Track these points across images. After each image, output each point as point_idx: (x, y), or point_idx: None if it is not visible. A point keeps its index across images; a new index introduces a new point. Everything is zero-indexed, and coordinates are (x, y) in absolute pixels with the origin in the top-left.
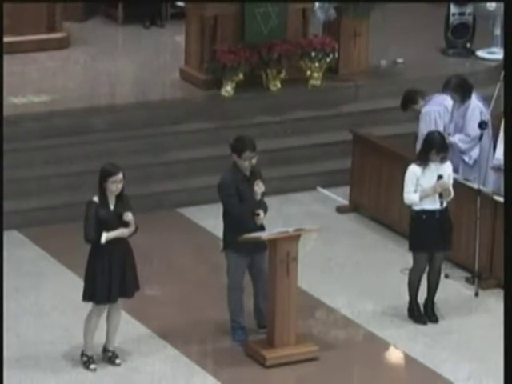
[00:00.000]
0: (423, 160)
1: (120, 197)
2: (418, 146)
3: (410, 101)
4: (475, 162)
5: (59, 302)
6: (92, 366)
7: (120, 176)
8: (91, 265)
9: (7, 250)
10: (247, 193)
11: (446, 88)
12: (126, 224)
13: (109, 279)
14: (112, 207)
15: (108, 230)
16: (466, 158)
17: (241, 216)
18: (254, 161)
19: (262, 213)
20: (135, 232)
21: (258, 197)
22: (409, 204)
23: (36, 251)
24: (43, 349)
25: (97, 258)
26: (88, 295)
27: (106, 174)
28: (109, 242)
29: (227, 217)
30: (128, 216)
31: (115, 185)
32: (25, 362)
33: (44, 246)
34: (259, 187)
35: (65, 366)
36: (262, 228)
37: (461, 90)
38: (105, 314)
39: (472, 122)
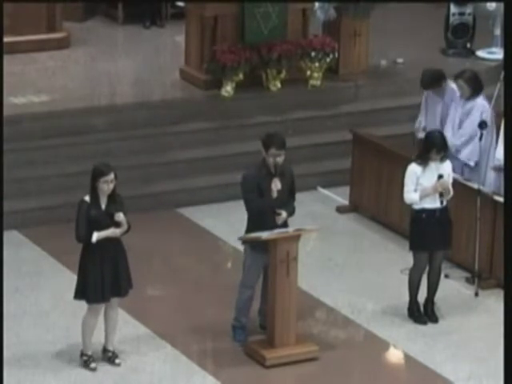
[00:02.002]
0: (424, 159)
1: (112, 197)
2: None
3: (443, 78)
4: (477, 163)
5: (59, 302)
6: (92, 365)
7: (111, 176)
8: (83, 264)
9: (7, 250)
10: (267, 189)
11: (458, 78)
12: (117, 224)
13: (101, 279)
14: (103, 207)
15: (99, 229)
16: (471, 163)
17: (256, 211)
18: (278, 159)
19: (283, 213)
20: (127, 231)
21: (274, 194)
22: (409, 203)
23: (36, 251)
24: (43, 349)
25: (88, 257)
26: (80, 294)
27: (97, 174)
28: (100, 241)
29: (248, 212)
30: (120, 216)
31: (106, 184)
32: (25, 362)
33: (44, 246)
34: (275, 185)
35: (65, 366)
36: (283, 227)
37: (472, 84)
38: (102, 314)
39: (471, 121)
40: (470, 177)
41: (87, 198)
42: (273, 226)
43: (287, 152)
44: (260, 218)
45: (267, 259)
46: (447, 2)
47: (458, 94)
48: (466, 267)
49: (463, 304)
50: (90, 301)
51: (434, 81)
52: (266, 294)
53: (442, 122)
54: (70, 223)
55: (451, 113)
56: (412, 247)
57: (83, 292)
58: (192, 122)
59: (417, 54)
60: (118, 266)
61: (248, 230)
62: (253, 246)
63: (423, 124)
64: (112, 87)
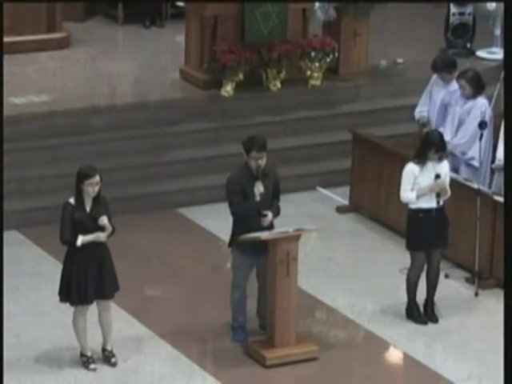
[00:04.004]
0: (421, 159)
1: (97, 199)
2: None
3: (454, 66)
4: (481, 163)
5: (59, 301)
6: (92, 366)
7: (97, 178)
8: (67, 267)
9: (7, 250)
10: (252, 192)
11: (460, 77)
12: (102, 226)
13: (84, 281)
14: (88, 209)
15: (84, 232)
16: (475, 162)
17: (240, 214)
18: (260, 161)
19: (269, 214)
20: (112, 234)
21: (257, 198)
22: (405, 202)
23: (36, 251)
24: (43, 349)
25: (73, 260)
26: (64, 296)
27: (82, 176)
28: (85, 244)
29: (232, 214)
30: (103, 220)
31: (91, 187)
32: (25, 363)
33: (44, 246)
34: (257, 189)
35: (65, 366)
36: (269, 229)
37: (474, 83)
38: (96, 314)
39: (474, 119)
40: (469, 176)
41: (72, 201)
42: (258, 228)
43: (287, 152)
44: (245, 220)
45: (256, 259)
46: (447, 2)
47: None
48: (466, 267)
49: (463, 304)
50: (73, 303)
51: (445, 65)
52: (263, 294)
53: (441, 111)
54: None
55: (451, 112)
56: (409, 247)
57: (67, 295)
58: (192, 122)
59: (417, 53)
60: (103, 268)
61: (234, 233)
62: (241, 247)
63: (424, 113)
64: (112, 87)
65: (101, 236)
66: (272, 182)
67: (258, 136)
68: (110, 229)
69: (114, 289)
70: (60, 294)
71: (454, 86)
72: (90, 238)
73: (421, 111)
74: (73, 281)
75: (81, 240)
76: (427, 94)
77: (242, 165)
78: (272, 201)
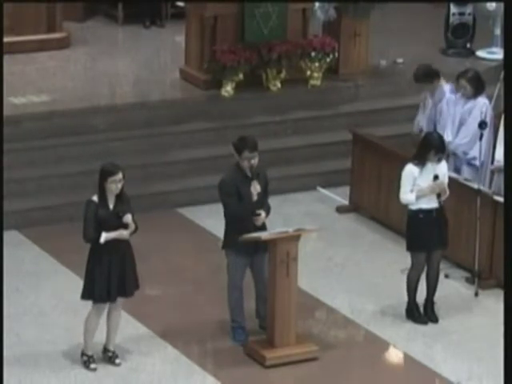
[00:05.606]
0: (421, 160)
1: (120, 196)
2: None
3: (436, 76)
4: (482, 163)
5: (59, 302)
6: (92, 366)
7: (120, 176)
8: (90, 264)
9: (7, 250)
10: (246, 193)
11: (461, 77)
12: (125, 224)
13: (108, 279)
14: (111, 207)
15: (107, 229)
16: (477, 162)
17: (237, 215)
18: (253, 161)
19: (263, 213)
20: (135, 231)
21: (254, 198)
22: (405, 203)
23: (36, 251)
24: (43, 349)
25: (96, 257)
26: (87, 294)
27: (105, 174)
28: (108, 241)
29: (226, 216)
30: (128, 218)
31: (115, 184)
32: (25, 362)
33: (44, 246)
34: (254, 188)
35: (65, 365)
36: (263, 229)
37: (475, 83)
38: (105, 314)
39: (475, 119)
40: (471, 176)
41: (95, 198)
42: (252, 227)
43: (287, 152)
44: (239, 221)
45: (250, 259)
46: (447, 2)
47: (448, 94)
48: (466, 267)
49: (463, 304)
50: (96, 300)
51: (426, 75)
52: (260, 294)
53: (433, 123)
54: (70, 223)
55: (450, 114)
56: (409, 248)
57: (90, 293)
58: (192, 122)
59: (417, 54)
60: (125, 266)
61: (228, 234)
62: (236, 248)
63: (421, 124)
64: (112, 87)
65: (124, 233)
66: (263, 181)
67: (249, 136)
68: (133, 226)
69: (135, 287)
70: (83, 290)
71: (438, 95)
72: (113, 235)
73: (418, 121)
74: (96, 279)
75: (104, 237)
76: (421, 108)
77: (233, 166)
78: (264, 200)
